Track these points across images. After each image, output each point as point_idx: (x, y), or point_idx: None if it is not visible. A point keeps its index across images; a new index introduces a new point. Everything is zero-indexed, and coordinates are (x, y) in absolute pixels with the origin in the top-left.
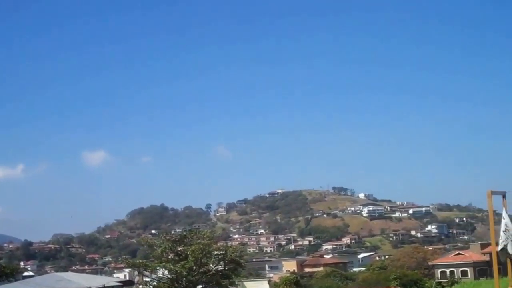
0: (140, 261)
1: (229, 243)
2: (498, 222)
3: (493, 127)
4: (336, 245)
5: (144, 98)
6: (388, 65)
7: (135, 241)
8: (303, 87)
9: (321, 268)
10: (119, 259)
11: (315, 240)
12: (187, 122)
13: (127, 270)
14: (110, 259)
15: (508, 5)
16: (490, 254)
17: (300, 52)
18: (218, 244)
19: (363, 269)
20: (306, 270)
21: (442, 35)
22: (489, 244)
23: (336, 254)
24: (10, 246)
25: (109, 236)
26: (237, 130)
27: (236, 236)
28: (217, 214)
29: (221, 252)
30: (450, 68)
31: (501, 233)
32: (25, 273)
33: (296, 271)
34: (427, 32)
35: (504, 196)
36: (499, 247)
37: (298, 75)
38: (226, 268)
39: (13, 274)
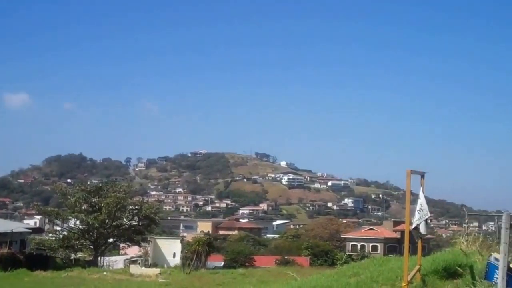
0: (52, 209)
1: (146, 199)
2: (414, 201)
3: (416, 110)
4: (253, 210)
5: (77, 49)
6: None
7: (49, 189)
8: (239, 50)
9: (235, 232)
10: (31, 205)
11: (233, 203)
12: (114, 74)
13: (38, 217)
14: (22, 204)
15: None
16: (402, 232)
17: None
18: (134, 199)
19: (277, 236)
20: (221, 232)
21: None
22: (402, 222)
23: (252, 219)
24: None
25: (22, 181)
26: (165, 87)
27: (154, 192)
28: (136, 169)
29: (136, 207)
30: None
31: (416, 213)
32: None
33: (210, 232)
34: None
35: (422, 177)
36: (413, 226)
37: (233, 36)
38: (140, 224)
39: None
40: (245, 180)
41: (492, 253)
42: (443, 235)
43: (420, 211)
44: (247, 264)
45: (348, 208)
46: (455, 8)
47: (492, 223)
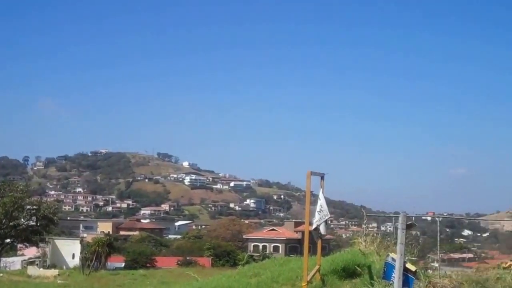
0: None
1: (44, 199)
2: (314, 202)
3: (317, 111)
4: (155, 210)
5: None
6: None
7: None
8: (138, 50)
9: (136, 232)
10: None
11: (134, 204)
12: (12, 71)
13: None
14: None
15: None
16: (303, 232)
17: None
18: (32, 198)
19: (179, 236)
20: (122, 233)
21: None
22: (302, 223)
23: (154, 220)
24: None
25: None
26: (65, 84)
27: (53, 192)
28: (35, 168)
29: (34, 207)
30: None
31: (316, 214)
32: None
33: (111, 233)
34: None
35: (322, 178)
36: (313, 227)
37: (128, 35)
38: (38, 224)
39: None
40: (146, 180)
41: (390, 253)
42: (343, 235)
43: (320, 212)
44: (148, 265)
45: (250, 208)
46: None
47: (390, 224)
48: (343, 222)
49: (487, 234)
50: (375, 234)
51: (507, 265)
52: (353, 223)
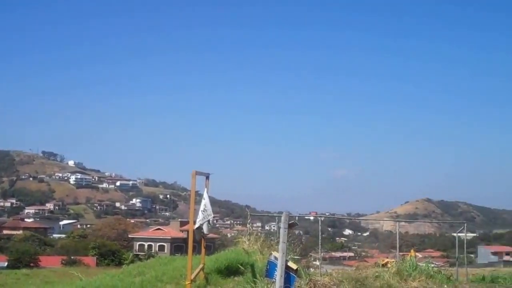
0: None
1: None
2: (199, 202)
3: (204, 110)
4: (39, 209)
5: None
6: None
7: None
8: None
9: (20, 231)
10: None
11: (18, 202)
12: None
13: None
14: None
15: None
16: (188, 231)
17: None
18: None
19: (63, 236)
20: (5, 232)
21: None
22: (188, 222)
23: (38, 219)
24: None
25: None
26: None
27: None
28: None
29: None
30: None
31: (200, 213)
32: None
33: None
34: None
35: (207, 178)
36: (196, 226)
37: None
38: None
39: None
40: (31, 179)
41: (273, 252)
42: (228, 234)
43: (204, 211)
44: (32, 264)
45: (136, 208)
46: None
47: (274, 223)
48: (228, 222)
49: (367, 233)
50: (259, 234)
51: (384, 262)
52: (238, 222)
